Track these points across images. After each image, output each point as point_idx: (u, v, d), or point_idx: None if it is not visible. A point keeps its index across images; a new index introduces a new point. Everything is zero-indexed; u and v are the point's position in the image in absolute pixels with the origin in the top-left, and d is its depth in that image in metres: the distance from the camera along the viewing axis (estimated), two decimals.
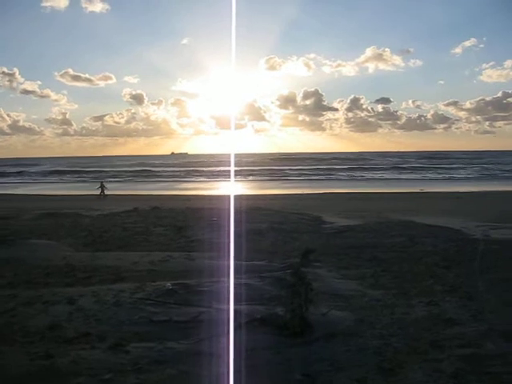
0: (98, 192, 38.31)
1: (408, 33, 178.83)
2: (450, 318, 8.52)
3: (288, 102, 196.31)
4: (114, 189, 44.83)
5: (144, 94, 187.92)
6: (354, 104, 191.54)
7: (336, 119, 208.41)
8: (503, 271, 11.88)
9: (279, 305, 8.78)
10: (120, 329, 8.13)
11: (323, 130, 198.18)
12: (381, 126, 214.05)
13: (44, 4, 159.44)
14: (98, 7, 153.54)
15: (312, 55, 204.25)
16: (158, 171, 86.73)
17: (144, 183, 62.01)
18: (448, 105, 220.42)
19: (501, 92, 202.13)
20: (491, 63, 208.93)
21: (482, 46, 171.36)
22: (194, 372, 6.62)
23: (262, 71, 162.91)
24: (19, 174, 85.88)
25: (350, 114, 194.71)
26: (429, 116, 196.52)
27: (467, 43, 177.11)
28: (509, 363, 6.74)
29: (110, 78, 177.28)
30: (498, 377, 6.39)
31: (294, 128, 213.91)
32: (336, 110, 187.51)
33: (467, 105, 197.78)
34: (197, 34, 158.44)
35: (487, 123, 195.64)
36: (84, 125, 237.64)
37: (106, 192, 38.59)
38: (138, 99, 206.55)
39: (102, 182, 40.27)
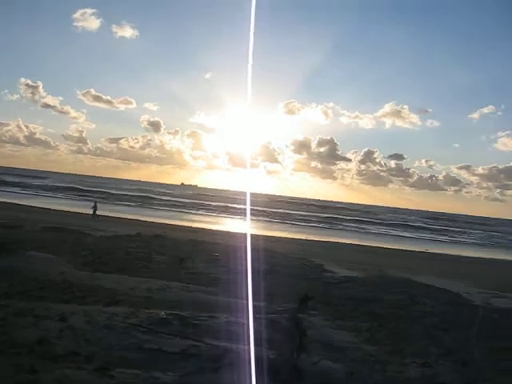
0: (91, 212, 38.51)
1: (428, 93, 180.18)
2: (442, 383, 8.36)
3: (302, 147, 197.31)
4: (119, 211, 44.88)
5: (162, 122, 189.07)
6: (368, 157, 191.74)
7: (348, 169, 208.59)
8: (501, 340, 11.68)
9: (272, 348, 8.66)
10: (108, 352, 8.03)
11: (334, 178, 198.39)
12: (392, 182, 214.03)
13: (76, 24, 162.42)
14: (128, 33, 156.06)
15: (331, 104, 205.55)
16: (166, 200, 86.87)
17: (150, 210, 62.00)
18: (460, 168, 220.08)
19: None
20: (507, 132, 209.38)
21: (499, 113, 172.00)
22: None
23: (280, 114, 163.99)
24: (28, 185, 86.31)
25: (363, 166, 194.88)
26: (440, 177, 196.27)
27: (485, 110, 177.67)
28: None
29: (131, 103, 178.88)
30: None
31: (306, 173, 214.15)
32: (349, 160, 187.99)
33: (480, 170, 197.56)
34: (220, 69, 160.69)
35: (498, 190, 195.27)
36: (99, 145, 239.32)
37: (98, 212, 38.69)
38: (155, 126, 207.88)
39: (95, 203, 40.49)
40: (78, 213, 40.19)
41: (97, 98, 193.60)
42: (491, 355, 10.33)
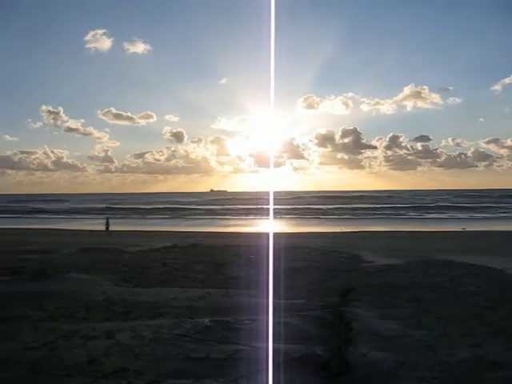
0: (104, 228, 39.48)
1: (446, 71, 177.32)
2: (494, 361, 8.24)
3: (326, 140, 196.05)
4: (153, 225, 45.30)
5: (184, 132, 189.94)
6: (393, 142, 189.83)
7: (375, 157, 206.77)
8: None
9: (318, 344, 8.64)
10: (157, 365, 8.11)
11: (362, 168, 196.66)
12: (420, 164, 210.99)
13: (88, 46, 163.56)
14: (140, 48, 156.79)
15: (350, 94, 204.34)
16: (197, 208, 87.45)
17: (183, 220, 62.48)
18: (489, 142, 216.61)
19: None
20: None
21: None
22: None
23: (300, 110, 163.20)
24: (59, 209, 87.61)
25: (389, 152, 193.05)
26: (469, 154, 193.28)
27: (507, 80, 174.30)
28: None
29: (151, 117, 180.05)
30: None
31: (333, 166, 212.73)
32: (375, 147, 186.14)
33: (509, 142, 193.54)
34: (235, 73, 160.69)
35: None
36: (125, 162, 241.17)
37: (111, 228, 39.55)
38: (177, 137, 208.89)
39: (107, 218, 41.12)
40: (112, 230, 40.63)
41: (118, 116, 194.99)
42: None
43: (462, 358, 8.45)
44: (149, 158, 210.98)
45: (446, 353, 8.71)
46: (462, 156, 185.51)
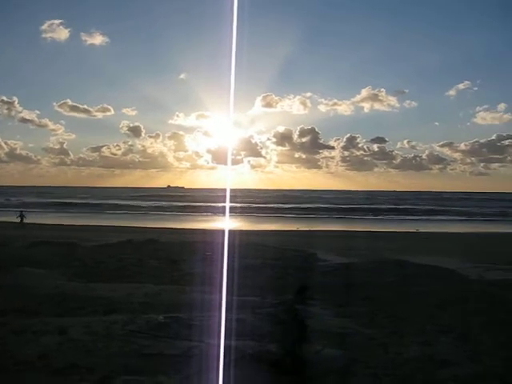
0: (18, 220, 39.50)
1: (403, 74, 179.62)
2: (444, 359, 8.44)
3: (284, 139, 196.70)
4: (109, 219, 44.79)
5: (141, 127, 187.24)
6: (350, 143, 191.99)
7: (332, 157, 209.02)
8: (498, 313, 11.81)
9: (272, 342, 8.69)
10: (110, 361, 8.02)
11: (319, 167, 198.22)
12: (376, 166, 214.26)
13: (44, 35, 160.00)
14: (98, 40, 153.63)
15: (308, 94, 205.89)
16: (154, 204, 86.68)
17: (139, 215, 61.87)
18: (443, 146, 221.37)
19: (495, 135, 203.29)
20: (485, 106, 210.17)
21: (475, 88, 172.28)
22: None
23: (259, 108, 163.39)
24: (12, 202, 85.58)
25: (346, 153, 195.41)
26: (424, 156, 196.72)
27: (461, 86, 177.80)
28: None
29: (108, 110, 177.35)
30: None
31: (291, 165, 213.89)
32: (332, 148, 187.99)
33: (462, 146, 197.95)
34: (194, 69, 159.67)
35: (482, 165, 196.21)
36: (81, 155, 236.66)
37: (25, 221, 39.73)
38: (135, 132, 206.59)
39: (21, 212, 41.16)
40: (67, 225, 40.02)
41: (74, 109, 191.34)
42: (490, 328, 10.44)
43: (413, 356, 8.63)
44: (105, 151, 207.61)
45: (398, 350, 8.88)
46: (417, 158, 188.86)
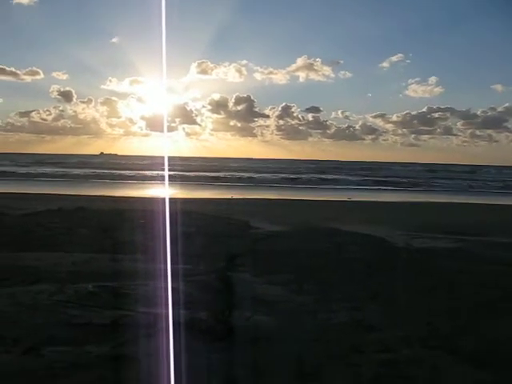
0: None
1: (338, 44, 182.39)
2: (370, 325, 8.69)
3: (219, 106, 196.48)
4: (38, 187, 43.52)
5: (73, 92, 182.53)
6: (285, 112, 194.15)
7: (267, 126, 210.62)
8: (423, 279, 12.24)
9: (203, 309, 8.71)
10: (36, 332, 7.84)
11: (254, 136, 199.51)
12: (311, 135, 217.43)
13: None
14: None
15: (244, 61, 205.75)
16: (85, 171, 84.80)
17: (70, 182, 60.41)
18: (376, 117, 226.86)
19: (426, 107, 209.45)
20: (416, 79, 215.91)
21: (408, 61, 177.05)
22: (112, 376, 6.47)
23: (194, 75, 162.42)
24: None
25: (281, 122, 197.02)
26: (357, 127, 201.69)
27: (394, 58, 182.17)
28: (423, 368, 6.96)
29: (38, 73, 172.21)
30: (413, 381, 6.60)
31: (226, 133, 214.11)
32: (267, 116, 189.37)
33: (394, 118, 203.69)
34: (127, 33, 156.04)
35: (413, 136, 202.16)
36: (9, 120, 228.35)
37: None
38: (66, 96, 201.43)
39: None
40: None
41: (0, 71, 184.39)
42: (415, 295, 10.81)
43: (341, 322, 8.84)
44: (35, 116, 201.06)
45: (326, 317, 9.07)
46: (351, 129, 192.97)
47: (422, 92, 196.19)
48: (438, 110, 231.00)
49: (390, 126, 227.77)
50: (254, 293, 10.46)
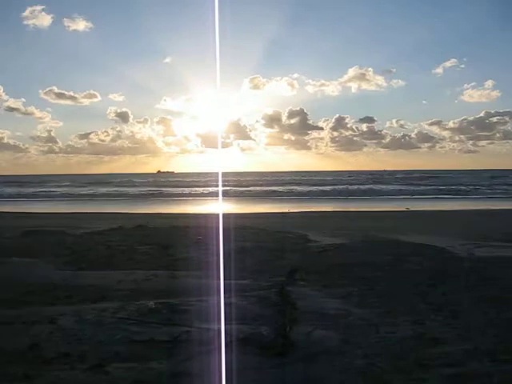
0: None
1: (389, 53, 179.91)
2: (435, 337, 8.45)
3: (273, 121, 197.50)
4: (99, 206, 44.56)
5: (129, 112, 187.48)
6: (339, 123, 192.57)
7: (321, 138, 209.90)
8: (488, 289, 11.86)
9: (263, 324, 8.68)
10: (100, 349, 7.98)
11: (309, 148, 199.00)
12: (366, 145, 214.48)
13: (26, 22, 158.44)
14: (81, 26, 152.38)
15: (295, 75, 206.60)
16: (145, 189, 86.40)
17: (130, 201, 61.63)
18: (431, 124, 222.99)
19: (483, 112, 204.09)
20: (472, 83, 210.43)
21: (462, 66, 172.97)
22: None
23: (247, 90, 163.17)
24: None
25: (335, 133, 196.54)
26: (413, 135, 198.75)
27: (448, 64, 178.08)
28: (493, 383, 6.70)
29: (95, 96, 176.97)
30: None
31: (280, 147, 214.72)
32: (321, 128, 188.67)
33: (450, 124, 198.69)
34: (180, 52, 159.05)
35: (470, 142, 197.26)
36: (69, 142, 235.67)
37: None
38: (122, 117, 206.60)
39: None
40: (56, 213, 39.83)
41: (60, 96, 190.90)
42: (480, 305, 10.48)
43: (404, 335, 8.64)
44: (93, 138, 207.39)
45: (389, 330, 8.88)
46: (406, 137, 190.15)
47: (478, 97, 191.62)
48: (496, 114, 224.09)
49: (446, 133, 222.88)
50: (315, 307, 10.36)
